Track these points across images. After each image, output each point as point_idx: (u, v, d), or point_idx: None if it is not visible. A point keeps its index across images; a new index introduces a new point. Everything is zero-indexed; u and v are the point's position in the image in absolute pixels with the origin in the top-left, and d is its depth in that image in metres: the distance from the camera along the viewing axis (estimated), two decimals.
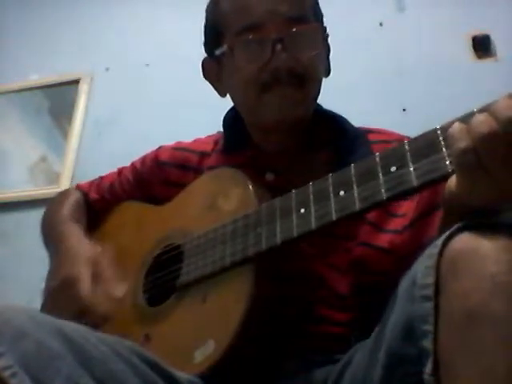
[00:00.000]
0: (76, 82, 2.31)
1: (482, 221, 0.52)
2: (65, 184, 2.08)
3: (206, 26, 0.97)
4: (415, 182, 0.57)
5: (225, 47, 0.88)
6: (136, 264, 0.91)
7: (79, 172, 2.10)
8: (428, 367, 0.48)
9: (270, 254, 0.72)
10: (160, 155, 1.01)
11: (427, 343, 0.49)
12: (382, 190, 0.60)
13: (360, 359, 0.65)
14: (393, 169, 0.60)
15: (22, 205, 2.10)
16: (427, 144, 0.57)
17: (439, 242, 0.52)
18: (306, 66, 0.84)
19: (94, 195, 1.08)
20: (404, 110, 1.84)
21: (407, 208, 0.82)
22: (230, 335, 0.69)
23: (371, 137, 0.91)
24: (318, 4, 0.93)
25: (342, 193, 0.64)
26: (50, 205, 1.10)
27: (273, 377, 0.75)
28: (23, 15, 2.54)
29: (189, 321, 0.77)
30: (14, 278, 1.92)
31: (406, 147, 0.59)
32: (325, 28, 0.92)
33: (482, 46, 1.87)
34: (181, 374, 0.68)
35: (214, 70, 0.94)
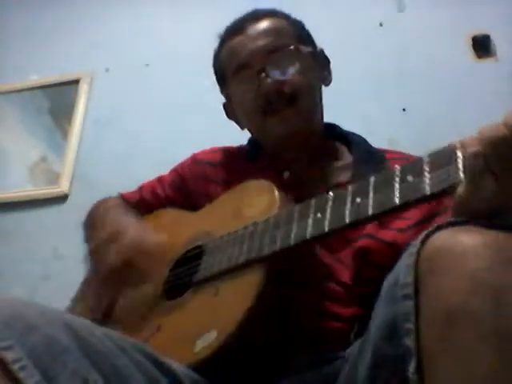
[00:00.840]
0: (76, 81, 2.31)
1: (462, 219, 0.52)
2: (65, 184, 2.08)
3: (215, 74, 1.11)
4: (428, 191, 0.59)
5: (226, 88, 1.06)
6: (165, 262, 0.96)
7: (79, 172, 2.11)
8: (411, 366, 0.49)
9: (283, 254, 0.75)
10: (196, 156, 1.14)
11: (409, 342, 0.50)
12: (396, 197, 0.62)
13: (352, 358, 0.66)
14: (409, 178, 0.62)
15: (22, 205, 2.10)
16: (444, 156, 0.60)
17: (418, 240, 0.53)
18: (292, 84, 0.96)
19: (134, 198, 1.15)
20: (404, 109, 1.84)
21: (412, 213, 0.85)
22: (233, 326, 0.70)
23: (388, 155, 0.98)
24: (302, 28, 1.06)
25: (358, 199, 0.68)
26: (91, 208, 1.16)
27: (280, 373, 0.75)
28: (23, 15, 2.54)
29: (198, 313, 0.80)
30: (13, 278, 1.92)
31: (425, 159, 0.62)
32: (311, 46, 1.03)
33: (482, 46, 1.87)
34: (182, 371, 0.69)
35: (231, 109, 1.09)
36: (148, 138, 2.06)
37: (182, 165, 1.15)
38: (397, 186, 0.63)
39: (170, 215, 1.10)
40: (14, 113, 2.35)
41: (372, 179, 0.68)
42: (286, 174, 0.98)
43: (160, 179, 1.16)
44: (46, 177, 2.17)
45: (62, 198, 2.05)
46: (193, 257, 0.91)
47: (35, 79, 2.38)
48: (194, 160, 1.13)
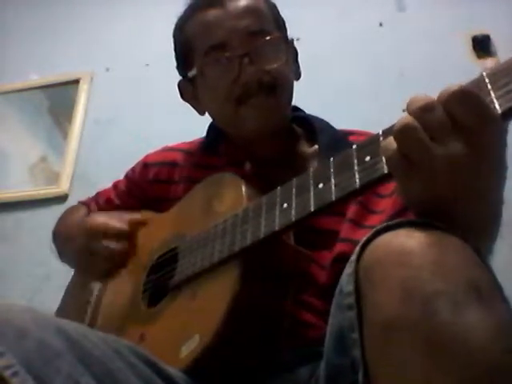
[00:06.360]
0: (76, 81, 2.31)
1: (398, 221, 0.51)
2: (65, 184, 2.08)
3: (175, 50, 1.04)
4: (386, 169, 0.57)
5: (195, 69, 0.94)
6: (140, 268, 0.95)
7: (79, 172, 2.11)
8: (360, 377, 0.48)
9: (255, 249, 0.73)
10: (147, 159, 1.09)
11: (356, 353, 0.49)
12: (357, 180, 0.60)
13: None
14: (367, 158, 0.60)
15: (21, 205, 2.10)
16: None
17: (358, 247, 0.52)
18: (275, 75, 0.89)
19: (93, 209, 1.13)
20: (404, 110, 1.83)
21: (385, 205, 0.83)
22: (214, 328, 0.69)
23: (351, 138, 0.94)
24: (278, 13, 0.98)
25: (320, 185, 0.65)
26: (60, 219, 1.17)
27: (269, 371, 0.74)
28: (23, 15, 2.54)
29: (179, 318, 0.79)
30: (13, 278, 1.92)
31: (381, 137, 0.60)
32: (287, 35, 0.97)
33: (481, 46, 1.87)
34: (177, 373, 0.68)
35: (190, 91, 1.00)
36: (148, 137, 2.06)
37: (133, 170, 1.11)
38: (356, 167, 0.61)
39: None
40: (14, 113, 2.35)
41: (332, 162, 0.65)
42: (248, 166, 0.93)
43: (115, 186, 1.13)
44: (46, 177, 2.17)
45: (61, 198, 2.05)
46: (168, 260, 0.89)
47: (35, 79, 2.38)
48: (145, 164, 1.08)
